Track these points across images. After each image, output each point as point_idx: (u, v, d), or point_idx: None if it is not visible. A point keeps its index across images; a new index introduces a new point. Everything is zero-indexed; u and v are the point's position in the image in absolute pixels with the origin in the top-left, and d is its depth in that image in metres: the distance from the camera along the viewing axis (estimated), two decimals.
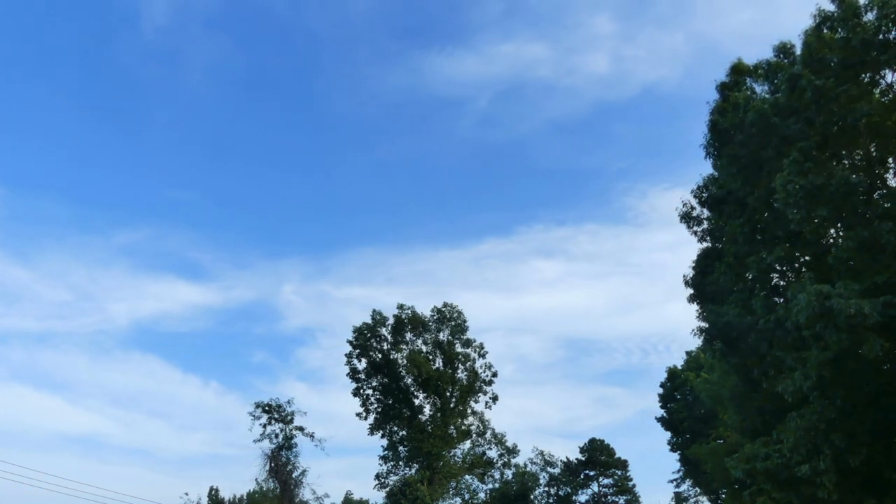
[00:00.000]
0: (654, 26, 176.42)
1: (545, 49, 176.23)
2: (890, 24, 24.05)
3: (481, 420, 73.94)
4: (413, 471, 69.25)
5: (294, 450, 61.10)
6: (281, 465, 60.03)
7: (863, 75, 25.58)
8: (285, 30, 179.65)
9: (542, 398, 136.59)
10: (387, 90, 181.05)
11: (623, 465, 78.31)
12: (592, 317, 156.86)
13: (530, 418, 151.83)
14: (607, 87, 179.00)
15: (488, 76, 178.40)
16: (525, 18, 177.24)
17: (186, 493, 65.41)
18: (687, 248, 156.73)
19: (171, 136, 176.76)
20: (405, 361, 71.67)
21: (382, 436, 72.52)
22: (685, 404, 67.65)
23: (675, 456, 70.96)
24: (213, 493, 72.70)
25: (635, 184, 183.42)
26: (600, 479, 78.47)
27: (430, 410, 72.39)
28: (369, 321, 73.29)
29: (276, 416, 61.25)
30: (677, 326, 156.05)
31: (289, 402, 62.07)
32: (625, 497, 77.67)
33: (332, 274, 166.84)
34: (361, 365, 73.26)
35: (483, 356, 73.84)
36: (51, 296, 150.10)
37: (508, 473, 75.55)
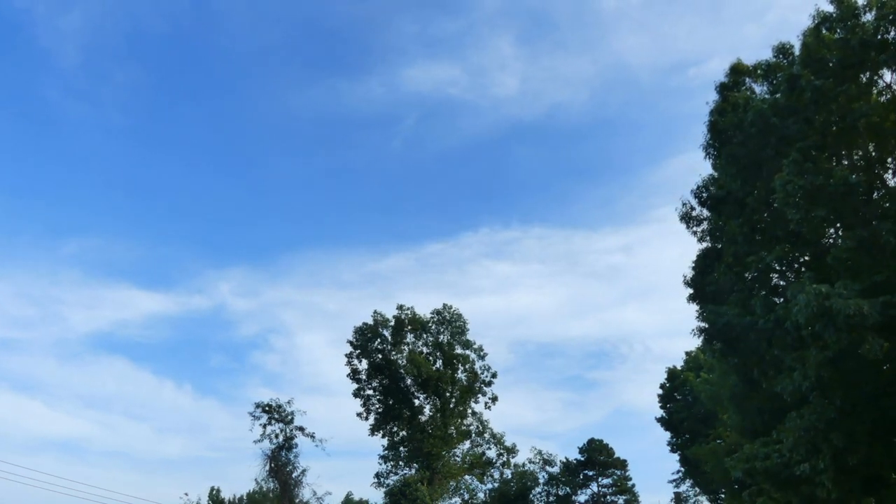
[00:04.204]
0: (559, 49, 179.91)
1: (459, 71, 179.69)
2: (888, 25, 24.13)
3: (480, 420, 74.25)
4: (413, 471, 69.34)
5: (294, 450, 61.20)
6: (281, 465, 60.07)
7: (861, 75, 25.63)
8: (200, 58, 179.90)
9: (509, 401, 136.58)
10: (309, 112, 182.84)
11: (622, 465, 78.38)
12: (548, 319, 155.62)
13: (507, 420, 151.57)
14: (520, 107, 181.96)
15: (412, 95, 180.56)
16: (436, 42, 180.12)
17: (186, 494, 65.77)
18: (643, 251, 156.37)
19: (101, 156, 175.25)
20: (405, 362, 71.78)
21: (383, 436, 72.78)
22: (685, 404, 67.68)
23: (675, 456, 71.01)
24: (215, 493, 72.83)
25: (580, 190, 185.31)
26: (599, 479, 78.56)
27: (430, 411, 72.56)
28: (370, 321, 73.37)
29: (277, 416, 61.30)
30: (635, 328, 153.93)
31: (289, 402, 62.22)
32: (624, 497, 77.72)
33: (280, 279, 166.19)
34: (362, 366, 73.44)
35: (482, 357, 74.20)
36: (6, 305, 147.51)
37: (507, 473, 75.77)
